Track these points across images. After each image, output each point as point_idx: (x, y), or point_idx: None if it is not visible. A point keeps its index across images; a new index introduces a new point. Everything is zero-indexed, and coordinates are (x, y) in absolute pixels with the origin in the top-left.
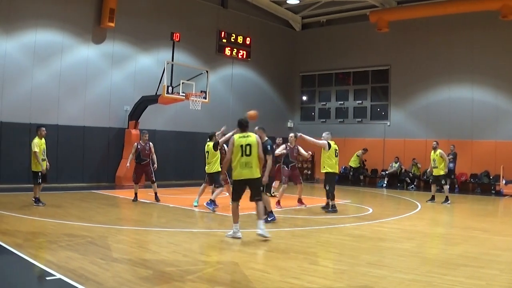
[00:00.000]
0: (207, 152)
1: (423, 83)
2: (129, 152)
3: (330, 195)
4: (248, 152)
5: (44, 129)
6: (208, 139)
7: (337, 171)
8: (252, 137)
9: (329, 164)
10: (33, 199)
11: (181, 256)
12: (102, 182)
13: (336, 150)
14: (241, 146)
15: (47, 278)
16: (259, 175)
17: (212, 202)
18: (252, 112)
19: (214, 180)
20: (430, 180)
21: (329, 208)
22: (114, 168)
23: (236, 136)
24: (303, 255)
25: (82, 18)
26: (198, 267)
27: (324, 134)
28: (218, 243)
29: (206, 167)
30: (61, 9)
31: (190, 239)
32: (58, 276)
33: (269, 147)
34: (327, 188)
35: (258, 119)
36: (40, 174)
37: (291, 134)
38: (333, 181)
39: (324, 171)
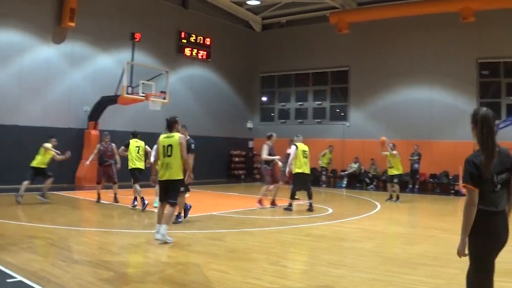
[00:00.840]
0: (138, 147)
1: (383, 84)
2: (89, 153)
3: (291, 194)
4: (169, 153)
5: (54, 139)
6: (131, 136)
7: (304, 171)
8: (175, 137)
9: (297, 165)
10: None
11: (141, 258)
12: (62, 183)
13: (304, 151)
14: (163, 146)
15: (8, 281)
16: (179, 177)
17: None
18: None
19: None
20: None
21: (288, 206)
22: (74, 169)
23: (161, 136)
24: (264, 256)
25: (42, 18)
26: (159, 268)
27: (295, 138)
28: (179, 244)
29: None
30: (21, 8)
31: (151, 240)
32: (19, 278)
33: (192, 145)
34: (299, 188)
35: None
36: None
37: (274, 134)
38: (297, 181)
39: (294, 171)
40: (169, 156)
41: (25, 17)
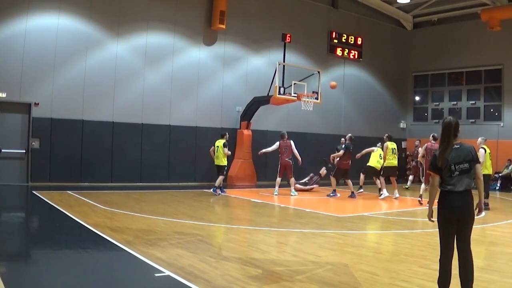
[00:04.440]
0: (217, 147)
1: None
2: (241, 152)
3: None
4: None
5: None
6: (221, 137)
7: (489, 172)
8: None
9: (485, 166)
10: (216, 188)
11: (290, 256)
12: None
13: (489, 153)
14: (392, 149)
15: (156, 275)
16: None
17: (218, 188)
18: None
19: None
20: None
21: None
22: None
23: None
24: (413, 258)
25: (193, 21)
26: (308, 267)
27: (479, 139)
28: (328, 244)
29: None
30: (172, 12)
31: (300, 239)
32: (167, 273)
33: None
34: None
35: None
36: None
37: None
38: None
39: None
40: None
41: (176, 20)
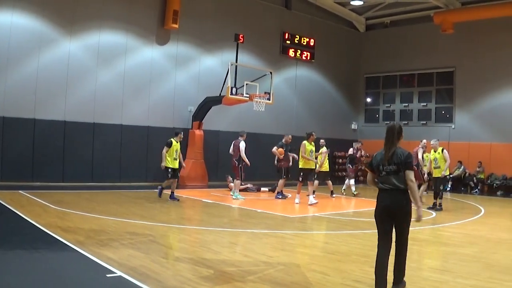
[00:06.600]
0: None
1: (489, 85)
2: (193, 152)
3: (441, 194)
4: None
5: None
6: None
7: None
8: None
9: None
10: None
11: (242, 257)
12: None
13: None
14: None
15: (108, 276)
16: None
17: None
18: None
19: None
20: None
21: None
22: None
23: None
24: (365, 258)
25: (146, 20)
26: (259, 267)
27: (433, 141)
28: (280, 244)
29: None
30: (125, 11)
31: (252, 239)
32: (119, 273)
33: None
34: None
35: None
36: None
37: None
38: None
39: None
40: None
41: (129, 19)
